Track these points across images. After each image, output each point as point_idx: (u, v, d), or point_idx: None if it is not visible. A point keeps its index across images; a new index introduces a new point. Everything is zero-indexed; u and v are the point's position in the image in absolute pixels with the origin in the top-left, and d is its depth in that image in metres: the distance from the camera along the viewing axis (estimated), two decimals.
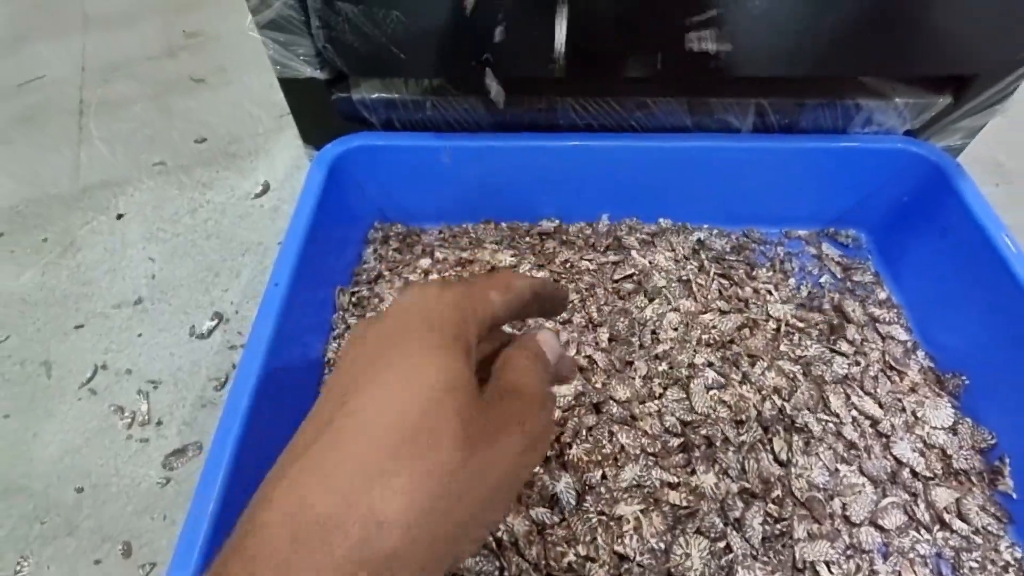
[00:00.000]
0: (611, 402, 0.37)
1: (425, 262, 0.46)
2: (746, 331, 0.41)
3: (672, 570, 0.31)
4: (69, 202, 0.54)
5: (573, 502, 0.33)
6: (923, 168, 0.43)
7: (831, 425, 0.37)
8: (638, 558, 0.31)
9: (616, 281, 0.44)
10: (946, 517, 0.34)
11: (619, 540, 0.32)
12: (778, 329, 0.41)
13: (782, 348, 0.40)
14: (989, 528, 0.34)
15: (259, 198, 0.54)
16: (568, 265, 0.45)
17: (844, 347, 0.41)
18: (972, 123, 0.43)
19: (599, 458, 0.35)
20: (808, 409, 0.37)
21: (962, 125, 0.43)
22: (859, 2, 0.34)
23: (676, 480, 0.34)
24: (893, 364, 0.40)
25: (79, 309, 0.46)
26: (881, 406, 0.38)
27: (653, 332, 0.41)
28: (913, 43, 0.37)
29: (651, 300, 0.43)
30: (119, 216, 0.53)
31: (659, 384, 0.38)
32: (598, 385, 0.38)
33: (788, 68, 0.38)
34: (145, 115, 0.63)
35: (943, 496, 0.35)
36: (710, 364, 0.39)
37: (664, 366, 0.39)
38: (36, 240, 0.51)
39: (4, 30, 0.75)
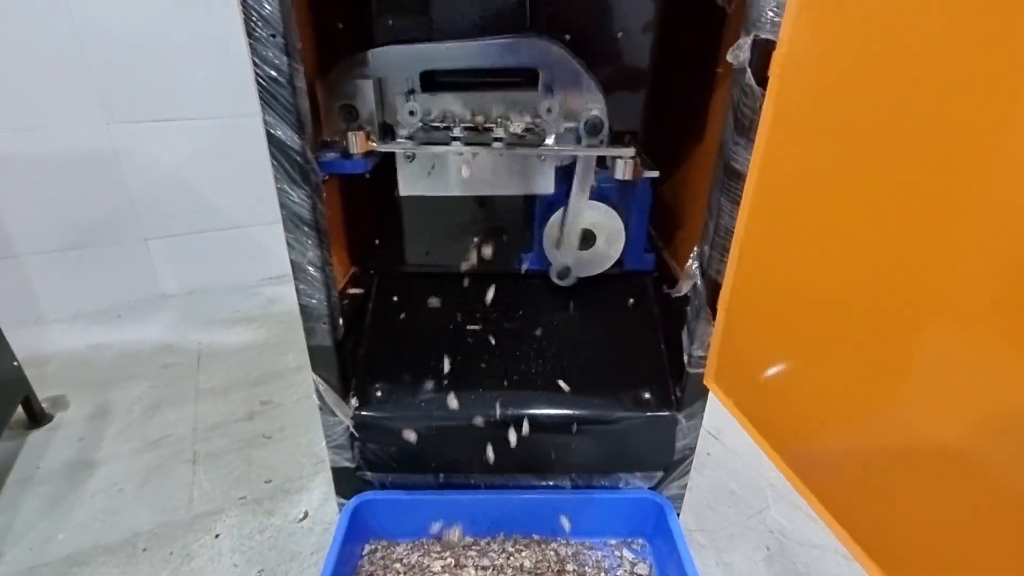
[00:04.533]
0: None
1: (397, 566, 0.81)
2: None
3: None
4: (185, 526, 0.90)
5: None
6: (655, 505, 0.84)
7: None
8: None
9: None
10: None
11: None
12: None
13: None
14: None
15: (301, 522, 0.91)
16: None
17: None
18: (679, 484, 0.86)
19: None
20: None
21: (672, 486, 0.85)
22: (588, 450, 0.80)
23: None
24: None
25: None
26: None
27: None
28: (627, 463, 0.82)
29: None
30: (216, 535, 0.88)
31: None
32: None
33: (585, 468, 0.82)
34: (233, 463, 1.03)
35: None
36: None
37: None
38: (166, 553, 0.85)
39: (145, 400, 1.20)
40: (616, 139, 0.75)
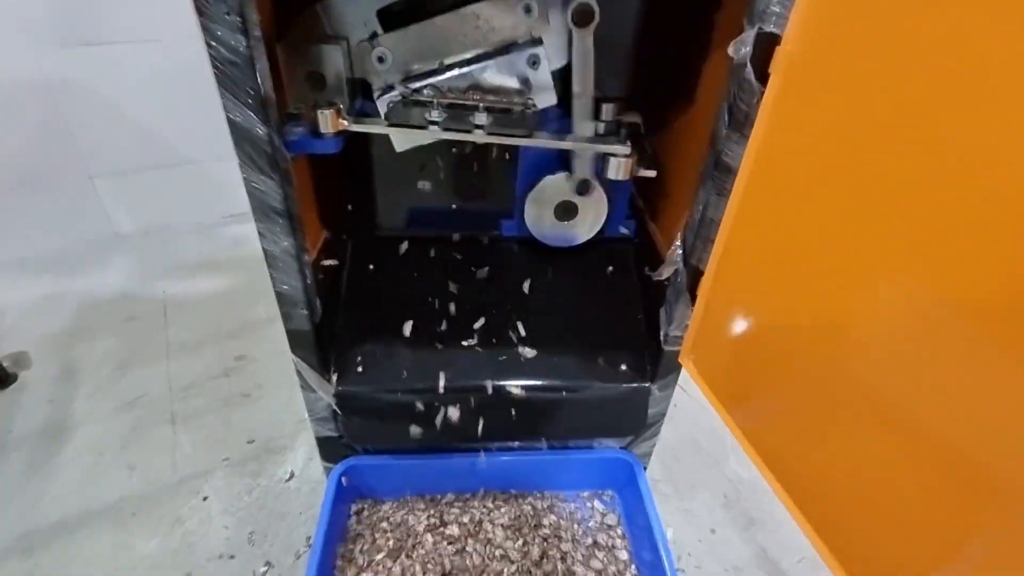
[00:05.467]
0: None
1: (384, 525, 0.86)
2: (555, 559, 0.83)
3: None
4: (172, 489, 0.92)
5: None
6: (625, 463, 0.90)
7: None
8: None
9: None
10: None
11: None
12: (566, 554, 0.83)
13: (558, 550, 0.82)
14: None
15: (288, 482, 0.94)
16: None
17: (595, 563, 0.83)
18: (649, 444, 0.91)
19: None
20: None
21: (642, 445, 0.91)
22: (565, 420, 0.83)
23: None
24: (616, 571, 0.82)
25: (187, 560, 0.82)
26: None
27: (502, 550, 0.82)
28: (601, 430, 0.86)
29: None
30: (204, 498, 0.91)
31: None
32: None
33: (562, 434, 0.86)
34: (213, 424, 1.04)
35: None
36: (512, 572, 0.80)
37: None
38: (157, 517, 0.88)
39: (113, 357, 1.17)
40: (603, 108, 0.71)
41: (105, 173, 1.46)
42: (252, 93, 0.53)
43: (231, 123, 0.55)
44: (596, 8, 0.62)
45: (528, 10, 0.63)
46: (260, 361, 1.18)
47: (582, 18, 0.62)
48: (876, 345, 0.47)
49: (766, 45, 0.52)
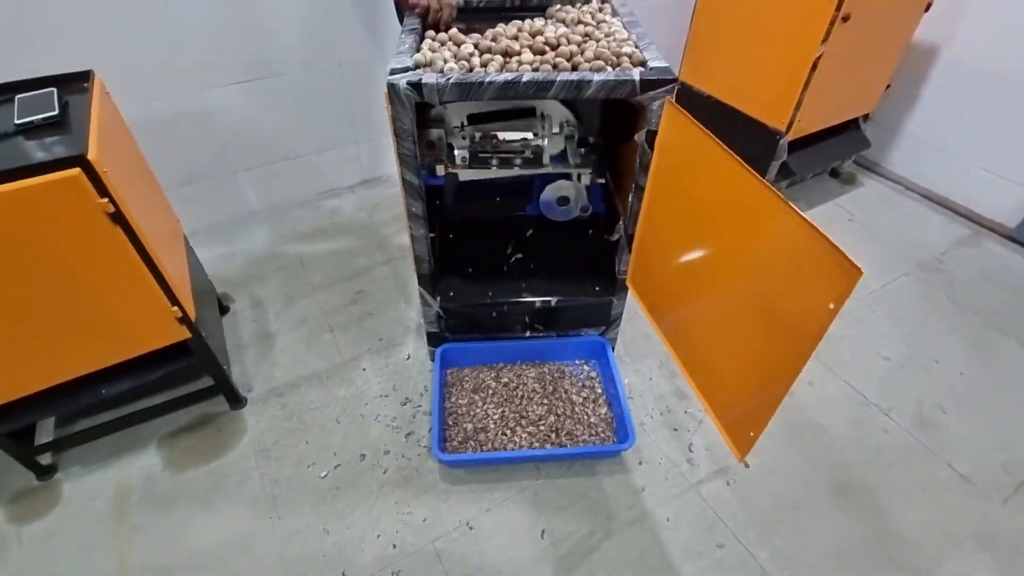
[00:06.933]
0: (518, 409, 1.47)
1: (466, 379, 1.56)
2: (561, 391, 1.52)
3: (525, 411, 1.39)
4: (343, 365, 1.62)
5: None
6: (600, 343, 1.57)
7: (567, 406, 1.47)
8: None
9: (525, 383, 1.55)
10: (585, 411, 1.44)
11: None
12: (567, 390, 1.53)
13: (563, 388, 1.51)
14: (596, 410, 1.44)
15: (407, 360, 1.63)
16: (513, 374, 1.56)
17: (583, 393, 1.52)
18: (614, 332, 1.58)
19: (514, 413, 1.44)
20: (568, 407, 1.48)
21: (610, 333, 1.58)
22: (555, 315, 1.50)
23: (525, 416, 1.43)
24: (595, 398, 1.52)
25: (364, 397, 1.53)
26: (585, 407, 1.49)
27: (528, 397, 1.52)
28: (585, 324, 1.53)
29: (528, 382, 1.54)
30: (363, 369, 1.61)
31: (531, 408, 1.48)
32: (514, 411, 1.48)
33: (563, 327, 1.53)
34: (355, 331, 1.72)
35: (599, 413, 1.45)
36: (538, 397, 1.50)
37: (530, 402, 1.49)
38: (339, 380, 1.58)
39: (281, 293, 1.85)
40: (583, 144, 1.33)
41: (242, 168, 2.08)
42: (415, 168, 1.16)
43: (404, 180, 1.18)
44: (576, 135, 1.23)
45: (544, 128, 1.24)
46: (373, 294, 1.85)
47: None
48: (704, 261, 1.12)
49: (652, 135, 1.13)
